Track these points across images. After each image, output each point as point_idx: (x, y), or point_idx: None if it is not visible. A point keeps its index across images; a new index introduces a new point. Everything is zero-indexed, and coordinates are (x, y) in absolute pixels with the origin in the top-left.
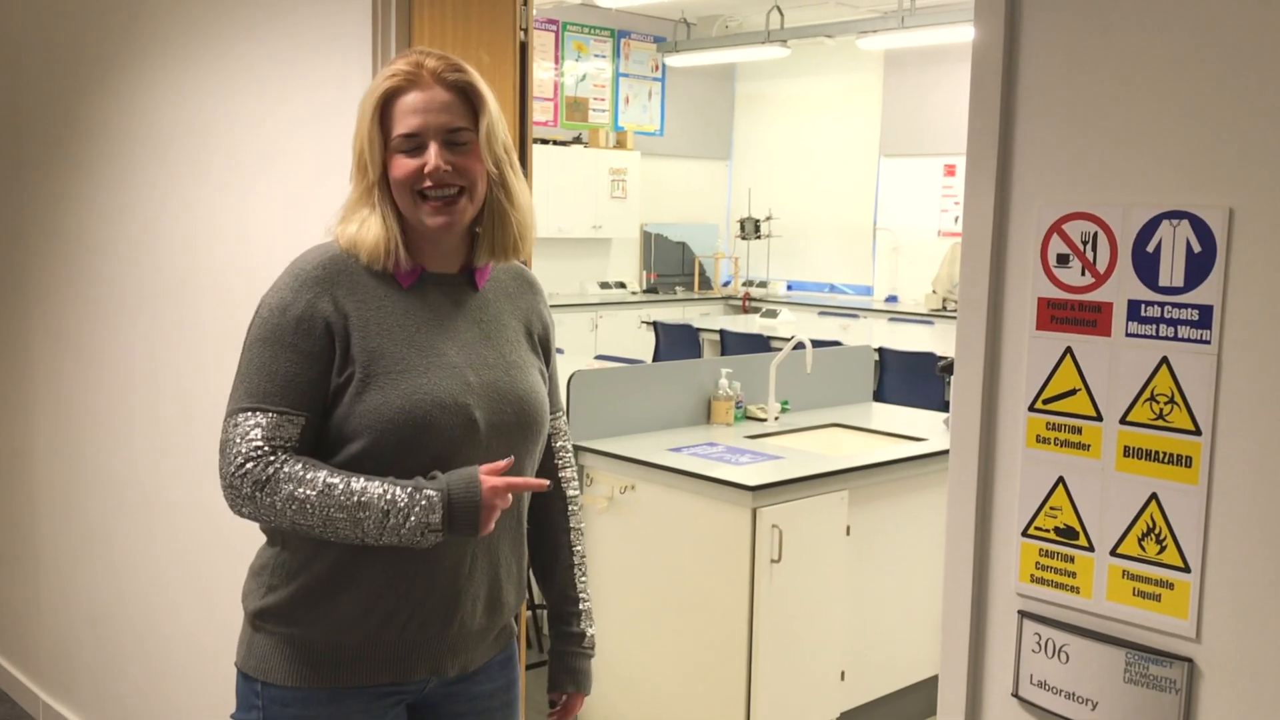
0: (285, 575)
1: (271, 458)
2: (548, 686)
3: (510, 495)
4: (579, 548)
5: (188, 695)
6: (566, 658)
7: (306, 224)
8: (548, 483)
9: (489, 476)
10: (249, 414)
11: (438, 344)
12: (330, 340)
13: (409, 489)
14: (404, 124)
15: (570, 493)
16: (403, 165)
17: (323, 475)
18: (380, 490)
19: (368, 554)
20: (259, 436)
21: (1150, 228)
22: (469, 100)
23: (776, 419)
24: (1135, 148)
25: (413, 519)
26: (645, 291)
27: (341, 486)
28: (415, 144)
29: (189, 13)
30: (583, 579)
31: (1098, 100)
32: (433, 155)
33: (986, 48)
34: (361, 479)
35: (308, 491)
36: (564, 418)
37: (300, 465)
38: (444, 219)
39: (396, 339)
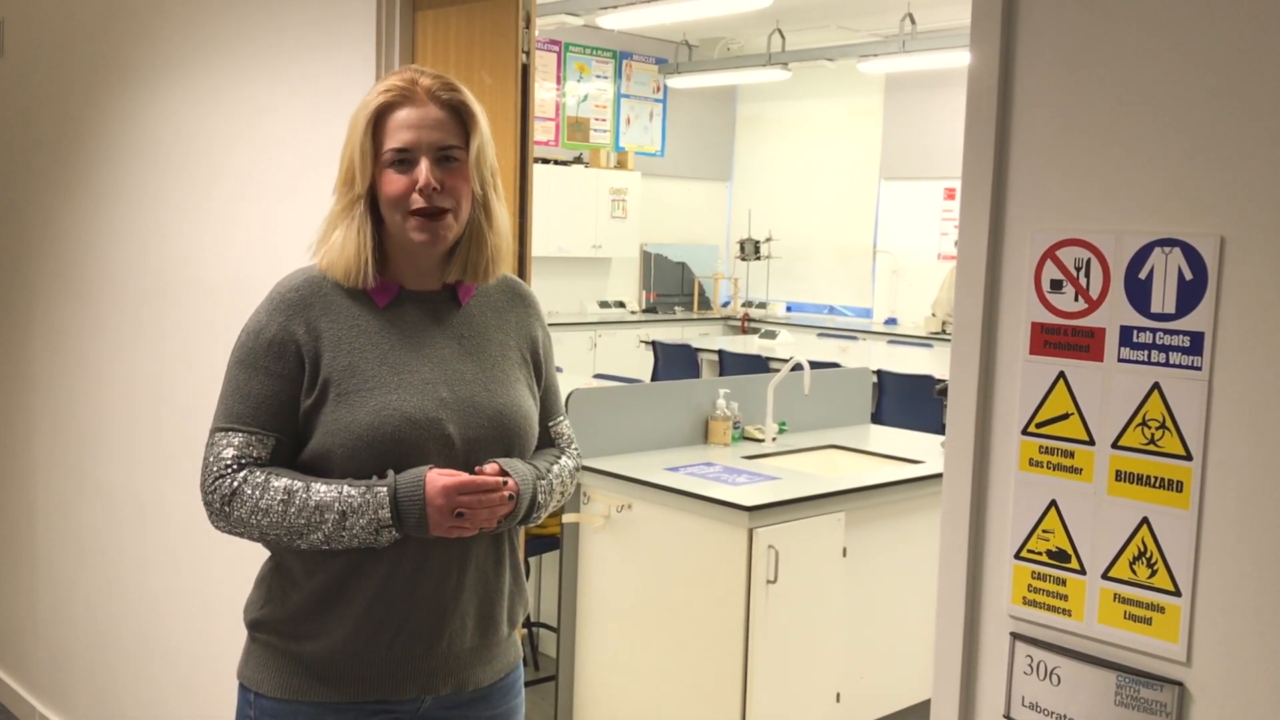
0: (281, 588)
1: (240, 473)
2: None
3: (485, 512)
4: (566, 461)
5: (184, 707)
6: None
7: (303, 240)
8: (499, 478)
9: (438, 476)
10: (224, 434)
11: (411, 361)
12: (301, 362)
13: (362, 488)
14: (396, 139)
15: (571, 455)
16: (394, 182)
17: (284, 482)
18: (337, 492)
19: (357, 571)
20: (230, 455)
21: (1142, 255)
22: (461, 119)
23: (774, 440)
24: (1128, 175)
25: (366, 517)
26: (644, 311)
27: (301, 491)
28: (406, 159)
29: (199, 49)
30: (555, 470)
31: (1091, 127)
32: (424, 171)
33: (981, 74)
34: (320, 483)
35: (270, 500)
36: (566, 421)
37: (263, 475)
38: (427, 236)
39: (369, 357)
